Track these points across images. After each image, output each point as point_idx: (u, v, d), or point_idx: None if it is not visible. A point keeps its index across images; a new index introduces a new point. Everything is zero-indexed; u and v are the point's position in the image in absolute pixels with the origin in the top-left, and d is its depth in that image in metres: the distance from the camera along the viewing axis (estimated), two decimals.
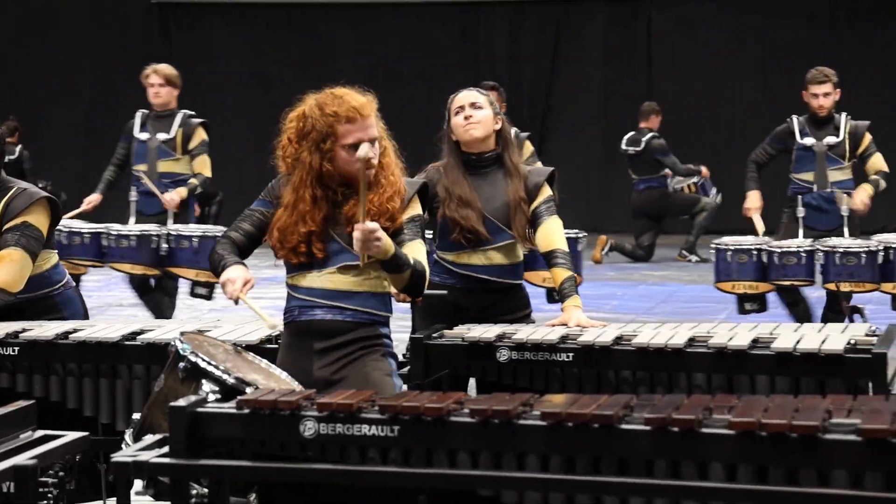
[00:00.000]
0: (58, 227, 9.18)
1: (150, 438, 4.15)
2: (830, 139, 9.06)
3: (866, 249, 8.49)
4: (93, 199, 9.77)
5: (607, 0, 17.53)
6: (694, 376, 5.18)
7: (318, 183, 4.75)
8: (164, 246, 9.18)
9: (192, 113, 9.69)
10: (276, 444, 4.01)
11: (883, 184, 9.10)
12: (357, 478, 3.97)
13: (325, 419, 3.96)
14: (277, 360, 4.93)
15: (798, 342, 5.13)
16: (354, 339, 4.82)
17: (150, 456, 4.01)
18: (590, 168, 17.27)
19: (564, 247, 5.79)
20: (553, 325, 5.56)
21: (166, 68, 9.59)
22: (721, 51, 16.60)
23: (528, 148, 9.77)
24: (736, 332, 5.31)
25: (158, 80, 9.51)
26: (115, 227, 9.34)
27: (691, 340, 5.23)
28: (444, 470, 3.89)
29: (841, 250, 8.51)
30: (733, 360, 5.14)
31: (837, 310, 8.78)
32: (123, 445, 4.37)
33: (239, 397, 4.12)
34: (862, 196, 9.08)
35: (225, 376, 4.42)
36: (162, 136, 9.41)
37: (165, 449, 4.04)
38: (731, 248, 8.83)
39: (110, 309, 12.32)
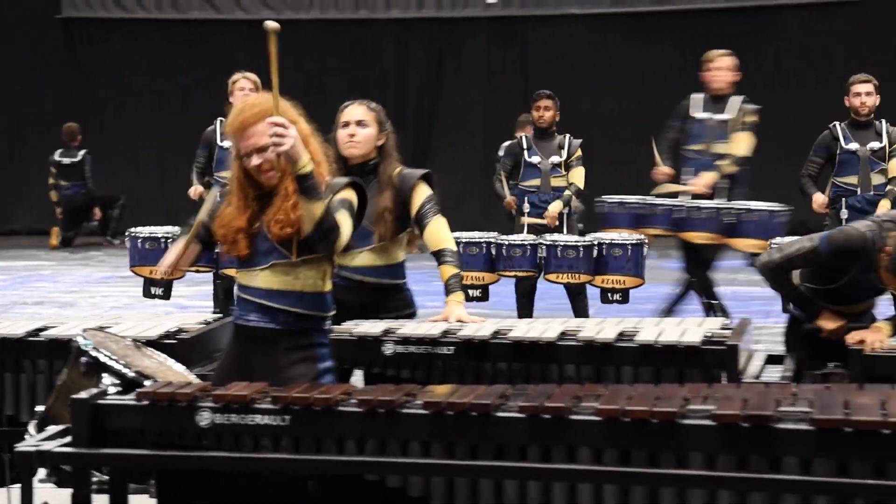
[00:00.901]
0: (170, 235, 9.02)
1: (53, 429, 4.11)
2: (874, 144, 9.10)
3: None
4: (199, 190, 9.54)
5: (487, 19, 17.61)
6: (565, 367, 5.21)
7: (248, 183, 4.63)
8: None
9: None
10: (173, 434, 3.99)
11: None
12: (250, 465, 3.96)
13: (220, 410, 3.94)
14: (222, 356, 4.89)
15: (659, 335, 5.19)
16: (286, 347, 4.65)
17: (52, 445, 3.97)
18: (472, 174, 17.32)
19: (452, 246, 5.77)
20: (435, 321, 5.57)
21: (254, 76, 9.40)
22: (592, 68, 16.73)
23: (578, 153, 9.53)
24: (603, 327, 5.36)
25: (249, 85, 9.31)
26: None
27: (562, 334, 5.27)
28: (333, 456, 3.89)
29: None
30: (600, 352, 5.17)
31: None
32: (27, 436, 4.31)
33: (138, 390, 4.09)
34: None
35: (125, 370, 4.38)
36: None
37: (68, 439, 4.00)
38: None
39: (15, 307, 12.14)
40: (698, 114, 9.74)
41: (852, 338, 5.24)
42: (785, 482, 3.56)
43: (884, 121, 9.23)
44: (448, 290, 5.68)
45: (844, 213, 9.22)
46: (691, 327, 5.36)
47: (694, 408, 3.70)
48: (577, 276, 8.58)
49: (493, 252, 8.68)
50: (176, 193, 18.14)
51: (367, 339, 5.39)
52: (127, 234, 9.23)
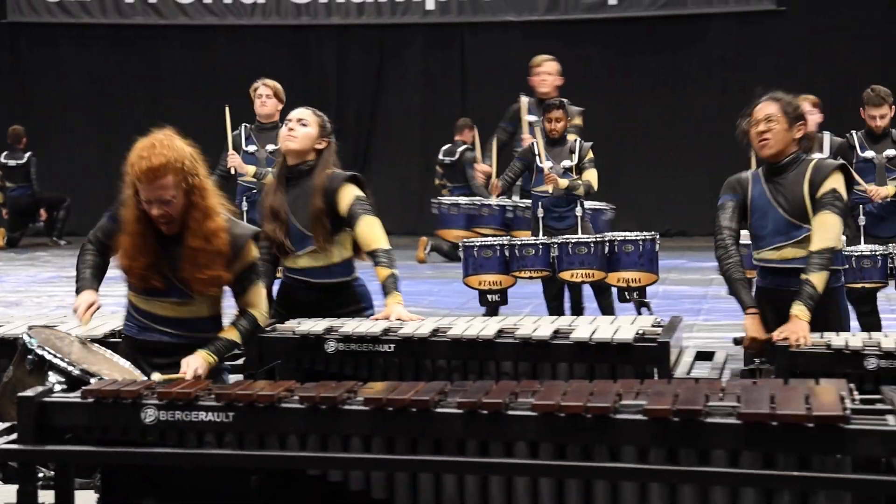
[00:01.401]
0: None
1: None
2: (889, 151, 9.06)
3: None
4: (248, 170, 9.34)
5: (426, 25, 17.62)
6: (502, 364, 5.22)
7: (137, 221, 4.70)
8: None
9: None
10: (118, 430, 3.97)
11: None
12: (194, 460, 3.95)
13: (165, 407, 3.92)
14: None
15: (594, 333, 5.21)
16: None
17: None
18: (410, 177, 17.33)
19: (385, 245, 5.77)
20: (376, 319, 5.56)
21: (273, 82, 9.30)
22: (527, 73, 16.76)
23: (590, 155, 9.50)
24: (539, 325, 5.37)
25: (266, 92, 9.20)
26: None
27: (500, 332, 5.27)
28: (276, 452, 3.88)
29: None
30: (537, 349, 5.19)
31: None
32: None
33: (84, 387, 4.06)
34: (885, 191, 9.11)
35: (70, 368, 4.35)
36: (270, 147, 9.08)
37: (14, 436, 3.96)
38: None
39: None
40: (531, 117, 9.86)
41: (778, 335, 5.27)
42: (713, 474, 3.59)
43: None
44: (386, 291, 5.68)
45: (862, 220, 9.01)
46: (624, 325, 5.38)
47: (626, 403, 3.72)
48: (590, 272, 8.56)
49: (507, 254, 8.66)
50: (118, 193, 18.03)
51: (310, 337, 5.37)
52: None
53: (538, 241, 8.62)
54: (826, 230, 5.34)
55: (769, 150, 5.50)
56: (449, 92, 17.32)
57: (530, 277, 8.71)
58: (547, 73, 10.03)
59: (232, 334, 4.87)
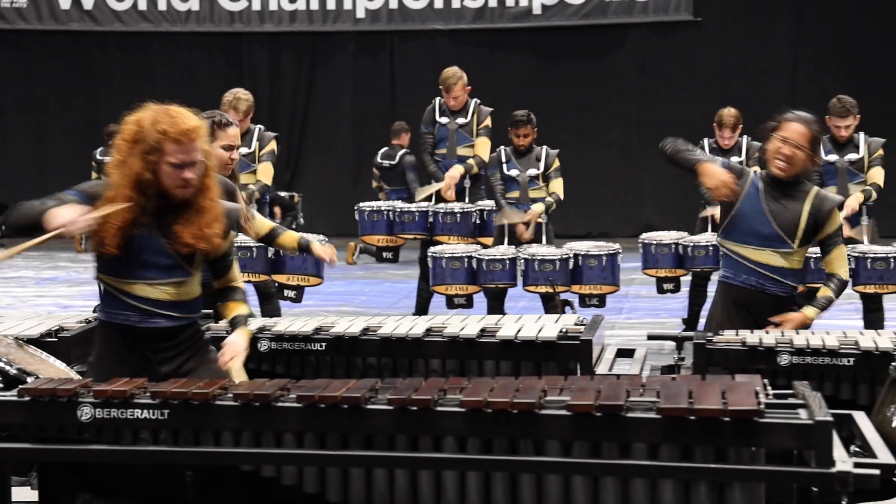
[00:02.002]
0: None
1: None
2: (852, 155, 9.09)
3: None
4: None
5: (356, 33, 17.57)
6: (431, 362, 5.23)
7: (136, 187, 4.38)
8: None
9: (263, 127, 9.32)
10: (55, 428, 3.92)
11: (874, 195, 9.03)
12: (130, 457, 3.91)
13: (101, 405, 3.88)
14: (96, 356, 4.54)
15: (519, 331, 5.22)
16: (187, 337, 4.55)
17: None
18: (341, 182, 17.26)
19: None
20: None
21: (247, 93, 9.18)
22: None
23: (556, 164, 9.45)
24: (466, 323, 5.38)
25: (242, 99, 9.07)
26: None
27: (428, 331, 5.28)
28: (210, 448, 3.85)
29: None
30: (464, 347, 5.20)
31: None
32: None
33: (20, 386, 4.01)
34: (851, 201, 9.20)
35: (7, 367, 4.29)
36: (243, 150, 8.97)
37: None
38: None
39: None
40: (443, 119, 9.90)
41: (780, 318, 5.42)
42: (634, 467, 3.61)
43: (861, 133, 9.28)
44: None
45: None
46: (548, 323, 5.40)
47: (551, 399, 3.73)
48: (555, 287, 8.60)
49: (475, 266, 8.66)
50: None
51: None
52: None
53: (506, 256, 8.63)
54: (844, 262, 5.72)
55: (784, 173, 5.58)
56: (379, 97, 17.30)
57: (496, 287, 8.77)
58: (454, 96, 9.87)
59: (243, 308, 4.67)
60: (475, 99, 10.05)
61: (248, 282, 8.67)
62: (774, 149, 5.58)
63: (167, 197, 4.39)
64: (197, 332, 4.60)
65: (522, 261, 8.59)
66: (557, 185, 9.19)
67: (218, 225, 4.45)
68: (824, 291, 5.63)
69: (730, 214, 5.63)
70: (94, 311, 5.95)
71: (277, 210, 14.20)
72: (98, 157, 16.01)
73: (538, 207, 9.08)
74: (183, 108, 4.46)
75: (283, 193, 14.56)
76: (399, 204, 9.78)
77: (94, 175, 16.03)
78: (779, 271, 5.55)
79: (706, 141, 9.63)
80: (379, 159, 14.51)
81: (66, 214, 4.20)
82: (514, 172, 9.13)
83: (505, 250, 8.72)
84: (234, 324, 4.61)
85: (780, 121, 5.64)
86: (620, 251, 8.79)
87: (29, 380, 4.17)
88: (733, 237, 5.63)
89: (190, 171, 4.36)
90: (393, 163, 14.33)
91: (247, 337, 4.57)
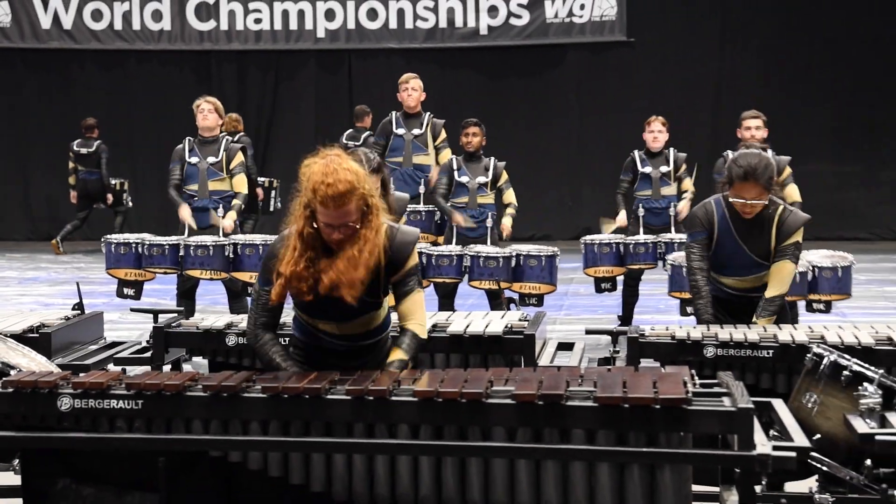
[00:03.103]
0: (140, 240, 8.67)
1: None
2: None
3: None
4: (187, 214, 8.89)
5: (317, 51, 17.50)
6: None
7: (310, 237, 4.06)
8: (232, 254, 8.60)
9: (231, 138, 9.18)
10: (36, 417, 3.89)
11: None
12: (106, 444, 3.88)
13: (79, 395, 3.85)
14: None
15: (467, 327, 5.22)
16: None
17: None
18: None
19: None
20: None
21: (214, 98, 9.06)
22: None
23: (504, 176, 9.44)
24: None
25: (208, 107, 8.95)
26: (192, 239, 8.64)
27: None
28: (181, 435, 3.83)
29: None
30: None
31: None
32: None
33: (3, 378, 3.97)
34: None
35: None
36: (211, 159, 8.86)
37: None
38: None
39: None
40: (399, 130, 9.93)
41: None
42: (573, 451, 3.62)
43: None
44: None
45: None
46: (495, 319, 5.40)
47: (497, 389, 3.73)
48: (497, 283, 8.61)
49: (424, 261, 8.63)
50: (35, 202, 17.65)
51: (212, 332, 5.32)
52: (103, 239, 8.95)
53: (453, 252, 8.64)
54: (782, 278, 5.47)
55: (750, 216, 5.48)
56: (338, 110, 17.26)
57: (443, 282, 8.76)
58: (413, 88, 10.11)
59: (398, 355, 4.15)
60: (428, 112, 10.08)
61: (211, 279, 8.66)
62: (739, 206, 5.45)
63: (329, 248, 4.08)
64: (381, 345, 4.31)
65: (468, 258, 8.61)
66: (511, 196, 9.29)
67: (363, 271, 4.06)
68: (755, 319, 5.47)
69: (711, 250, 5.56)
70: (73, 309, 5.91)
71: (259, 191, 14.14)
72: (75, 148, 15.89)
73: (507, 222, 9.19)
74: (349, 162, 4.09)
75: (261, 179, 14.47)
76: (147, 237, 9.41)
77: (70, 165, 15.89)
78: (762, 288, 5.54)
79: (636, 153, 9.68)
80: (344, 140, 14.48)
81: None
82: (464, 179, 9.15)
83: (452, 248, 8.74)
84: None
85: (732, 181, 5.45)
86: (559, 253, 8.83)
87: (12, 372, 4.13)
88: (720, 272, 5.62)
89: (339, 233, 4.04)
90: (358, 144, 14.27)
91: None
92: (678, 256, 8.44)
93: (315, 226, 4.05)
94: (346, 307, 4.07)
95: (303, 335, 4.26)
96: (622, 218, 9.55)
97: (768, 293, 5.48)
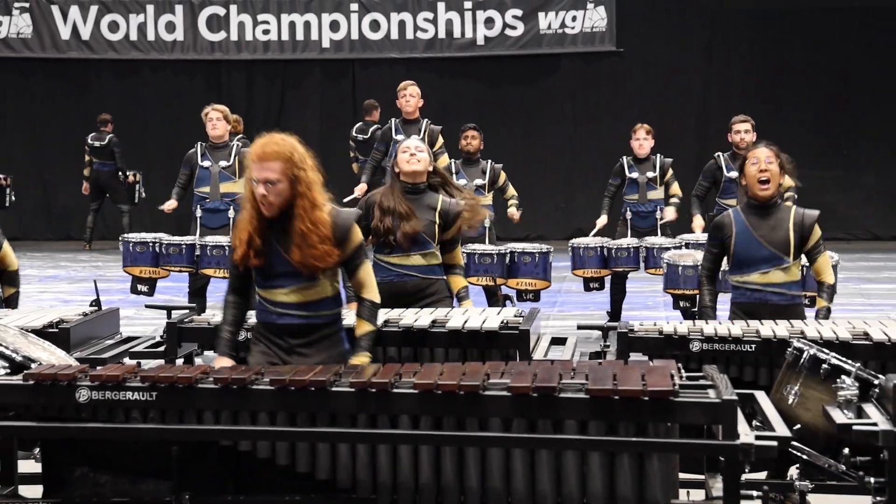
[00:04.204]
0: (157, 239, 8.71)
1: None
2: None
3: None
4: (172, 205, 9.03)
5: (322, 60, 17.50)
6: (388, 350, 5.19)
7: (255, 202, 4.39)
8: None
9: (241, 143, 9.18)
10: (55, 408, 3.89)
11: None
12: (122, 434, 3.88)
13: (97, 387, 3.85)
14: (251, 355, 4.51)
15: (465, 322, 5.22)
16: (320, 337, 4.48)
17: None
18: None
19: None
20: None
21: (223, 107, 9.05)
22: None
23: (503, 176, 9.47)
24: (419, 316, 5.36)
25: (217, 116, 8.95)
26: (208, 239, 8.65)
27: (386, 322, 5.25)
28: (193, 426, 3.83)
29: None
30: (417, 336, 5.18)
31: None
32: None
33: (25, 371, 3.97)
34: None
35: (13, 354, 4.24)
36: (223, 163, 8.87)
37: None
38: None
39: None
40: (399, 136, 9.94)
41: None
42: (566, 441, 3.62)
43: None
44: (460, 298, 5.86)
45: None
46: (491, 316, 5.39)
47: (493, 381, 3.74)
48: (492, 278, 8.60)
49: None
50: (55, 204, 17.64)
51: None
52: (121, 238, 8.96)
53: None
54: (829, 268, 5.84)
55: (768, 191, 5.71)
56: (342, 117, 17.24)
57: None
58: (410, 94, 10.10)
59: (367, 327, 4.47)
60: (426, 119, 10.07)
61: (224, 277, 8.65)
62: (753, 174, 5.70)
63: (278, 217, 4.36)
64: (331, 331, 4.48)
65: (464, 255, 8.61)
66: (512, 191, 9.41)
67: (325, 244, 4.34)
68: (820, 303, 5.80)
69: (731, 253, 5.77)
70: (91, 306, 5.90)
71: None
72: (90, 141, 15.89)
73: (514, 210, 9.30)
74: (292, 139, 4.47)
75: None
76: (164, 236, 9.42)
77: (86, 158, 15.87)
78: (780, 286, 5.69)
79: (624, 159, 9.69)
80: (354, 132, 14.46)
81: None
82: (462, 181, 9.15)
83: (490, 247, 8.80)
84: (356, 345, 4.46)
85: (746, 154, 5.83)
86: (552, 250, 8.83)
87: (33, 366, 4.13)
88: (740, 272, 5.76)
89: (262, 188, 4.31)
90: (366, 136, 14.24)
91: (364, 362, 4.36)
92: (673, 255, 8.47)
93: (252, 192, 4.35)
94: (295, 272, 4.33)
95: (262, 317, 4.48)
96: (603, 220, 9.62)
97: (828, 280, 5.80)
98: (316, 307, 4.44)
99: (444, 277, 5.89)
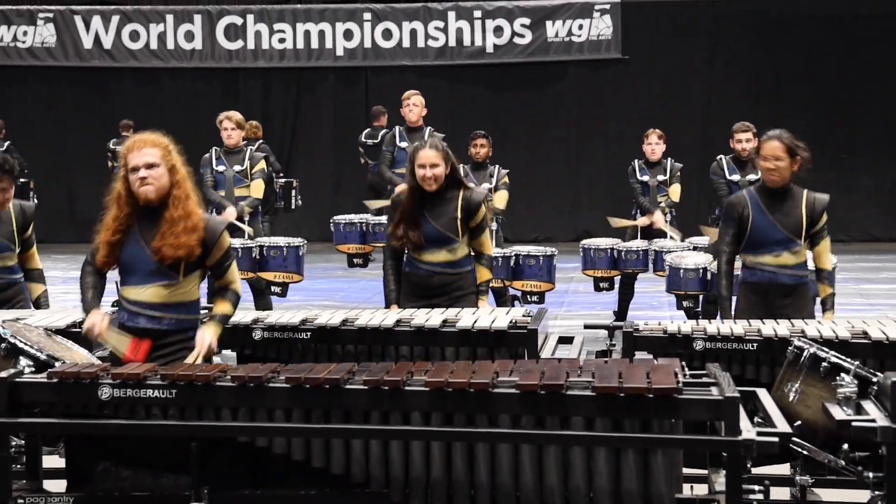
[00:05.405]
0: None
1: None
2: (752, 176, 8.98)
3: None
4: (232, 213, 8.83)
5: (336, 68, 17.52)
6: (400, 348, 5.21)
7: (124, 195, 4.52)
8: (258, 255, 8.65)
9: (253, 146, 9.20)
10: (79, 406, 3.90)
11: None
12: (143, 430, 3.89)
13: (118, 385, 3.86)
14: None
15: (475, 322, 5.22)
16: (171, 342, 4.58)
17: None
18: (323, 194, 17.19)
19: (490, 252, 5.95)
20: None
21: (236, 115, 9.08)
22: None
23: (504, 180, 9.46)
24: (430, 315, 5.37)
25: (231, 125, 8.98)
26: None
27: (398, 322, 5.27)
28: (212, 422, 3.84)
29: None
30: (429, 336, 5.19)
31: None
32: None
33: (49, 369, 3.98)
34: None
35: (38, 353, 4.25)
36: (237, 168, 8.90)
37: None
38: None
39: None
40: (402, 143, 9.92)
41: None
42: (573, 437, 3.62)
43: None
44: (479, 292, 5.90)
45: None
46: (500, 315, 5.39)
47: (502, 379, 3.74)
48: (497, 280, 8.60)
49: None
50: (78, 208, 17.67)
51: (240, 327, 5.32)
52: None
53: None
54: (828, 253, 5.91)
55: (778, 182, 5.78)
56: (355, 122, 17.24)
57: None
58: (413, 104, 10.08)
59: (225, 307, 4.64)
60: (429, 127, 10.05)
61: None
62: (764, 168, 5.80)
63: (147, 208, 4.47)
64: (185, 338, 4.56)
65: None
66: (498, 197, 9.12)
67: (191, 238, 4.45)
68: (825, 290, 5.85)
69: (747, 233, 5.80)
70: (112, 306, 5.91)
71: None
72: (111, 146, 15.91)
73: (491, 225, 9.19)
74: (163, 138, 4.59)
75: (281, 179, 14.41)
76: (369, 217, 9.72)
77: (109, 164, 15.92)
78: (790, 267, 5.78)
79: (636, 162, 9.66)
80: (363, 138, 14.47)
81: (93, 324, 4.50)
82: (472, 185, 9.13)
83: None
84: (210, 318, 4.62)
85: (760, 144, 5.89)
86: (556, 253, 8.82)
87: (57, 364, 4.14)
88: (754, 251, 5.81)
89: (144, 171, 4.44)
90: (375, 141, 14.25)
91: (214, 331, 4.54)
92: (675, 257, 8.44)
93: (128, 186, 4.44)
94: (147, 268, 4.45)
95: (119, 318, 4.58)
96: (643, 220, 9.39)
97: (827, 266, 5.86)
98: (177, 310, 4.52)
99: (473, 268, 5.91)
